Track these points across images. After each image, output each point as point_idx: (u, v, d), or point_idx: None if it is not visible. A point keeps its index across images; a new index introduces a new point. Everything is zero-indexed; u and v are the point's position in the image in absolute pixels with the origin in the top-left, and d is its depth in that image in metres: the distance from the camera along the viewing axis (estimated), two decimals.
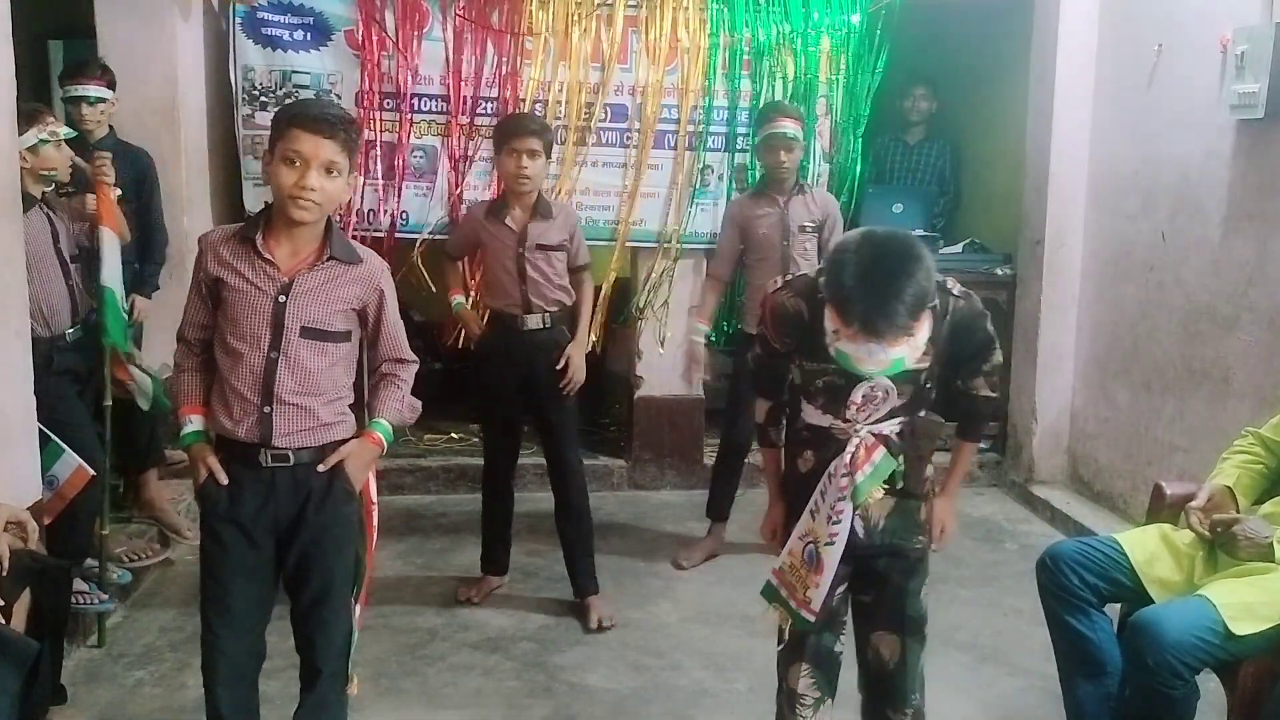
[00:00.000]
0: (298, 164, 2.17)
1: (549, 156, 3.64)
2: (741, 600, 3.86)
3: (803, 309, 2.16)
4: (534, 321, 3.63)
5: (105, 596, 3.39)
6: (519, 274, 3.59)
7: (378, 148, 4.72)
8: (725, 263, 4.21)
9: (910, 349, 2.01)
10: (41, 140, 3.31)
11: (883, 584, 2.29)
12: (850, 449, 2.16)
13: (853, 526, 2.18)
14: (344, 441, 2.34)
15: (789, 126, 3.96)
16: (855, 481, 2.16)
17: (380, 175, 4.75)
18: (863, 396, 2.14)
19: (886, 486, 2.21)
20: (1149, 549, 2.65)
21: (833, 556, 2.16)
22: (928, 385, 2.21)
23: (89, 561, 3.45)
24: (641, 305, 5.01)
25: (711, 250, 4.94)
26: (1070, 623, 2.63)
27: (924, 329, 2.02)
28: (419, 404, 2.49)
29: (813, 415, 2.25)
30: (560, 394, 3.67)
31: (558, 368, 3.63)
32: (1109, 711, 2.62)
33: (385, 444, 2.39)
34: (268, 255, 2.24)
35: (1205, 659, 2.35)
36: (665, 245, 4.93)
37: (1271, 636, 2.35)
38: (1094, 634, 2.61)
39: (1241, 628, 2.32)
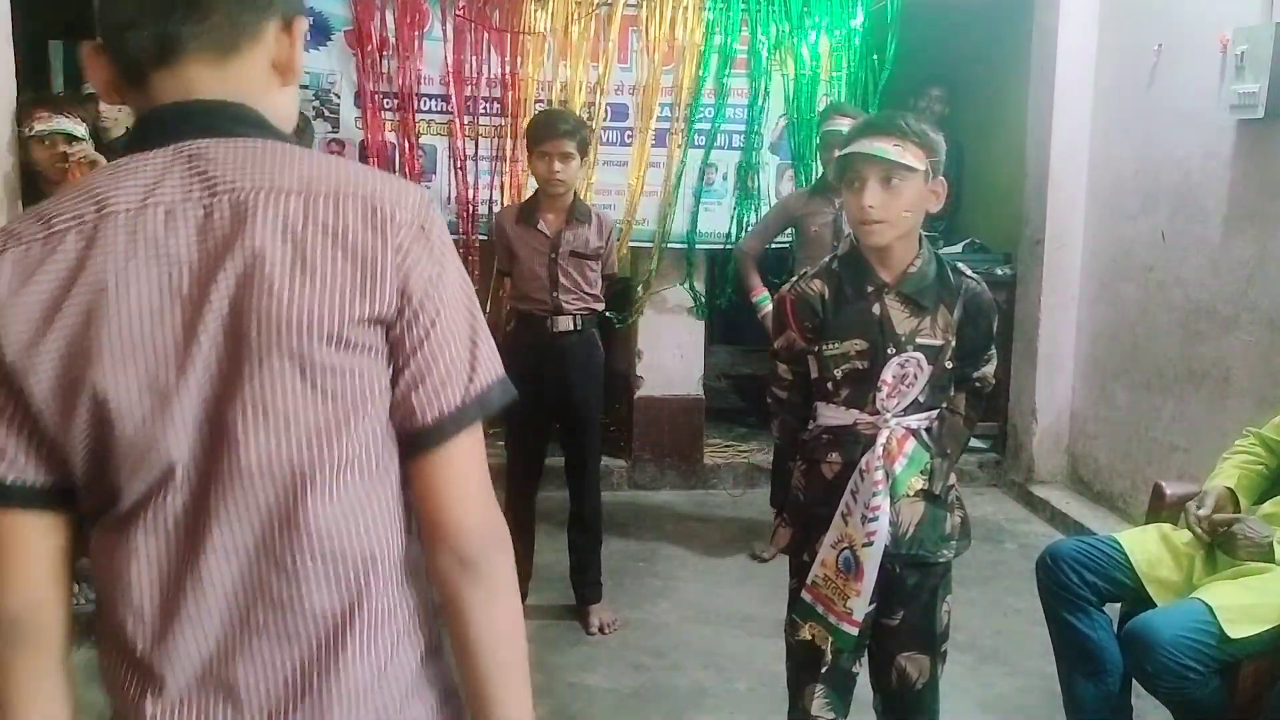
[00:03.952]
0: None
1: (584, 156, 3.47)
2: (741, 600, 3.86)
3: (824, 289, 2.16)
4: (565, 323, 3.50)
5: (92, 596, 3.36)
6: (550, 281, 3.46)
7: (388, 148, 4.72)
8: (758, 238, 4.24)
9: (914, 159, 2.03)
10: (27, 135, 3.26)
11: (910, 603, 2.21)
12: (881, 441, 2.08)
13: None
14: None
15: (846, 126, 3.91)
16: (893, 474, 2.08)
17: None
18: (893, 376, 2.08)
19: (919, 486, 2.14)
20: (1149, 549, 2.65)
21: (873, 559, 2.07)
22: (949, 367, 2.16)
23: (85, 561, 3.44)
24: (642, 306, 5.02)
25: (714, 251, 4.99)
26: (1070, 621, 2.63)
27: (921, 165, 2.05)
28: None
29: (833, 415, 2.16)
30: (590, 404, 3.57)
31: None
32: (1109, 711, 2.62)
33: None
34: None
35: (1203, 661, 2.34)
36: (665, 245, 4.93)
37: (1270, 638, 2.35)
38: (1094, 633, 2.61)
39: (1238, 630, 2.32)
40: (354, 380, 1.01)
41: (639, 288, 4.98)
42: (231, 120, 1.03)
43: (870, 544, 2.08)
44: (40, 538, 1.05)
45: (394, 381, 1.04)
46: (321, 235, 0.99)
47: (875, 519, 2.07)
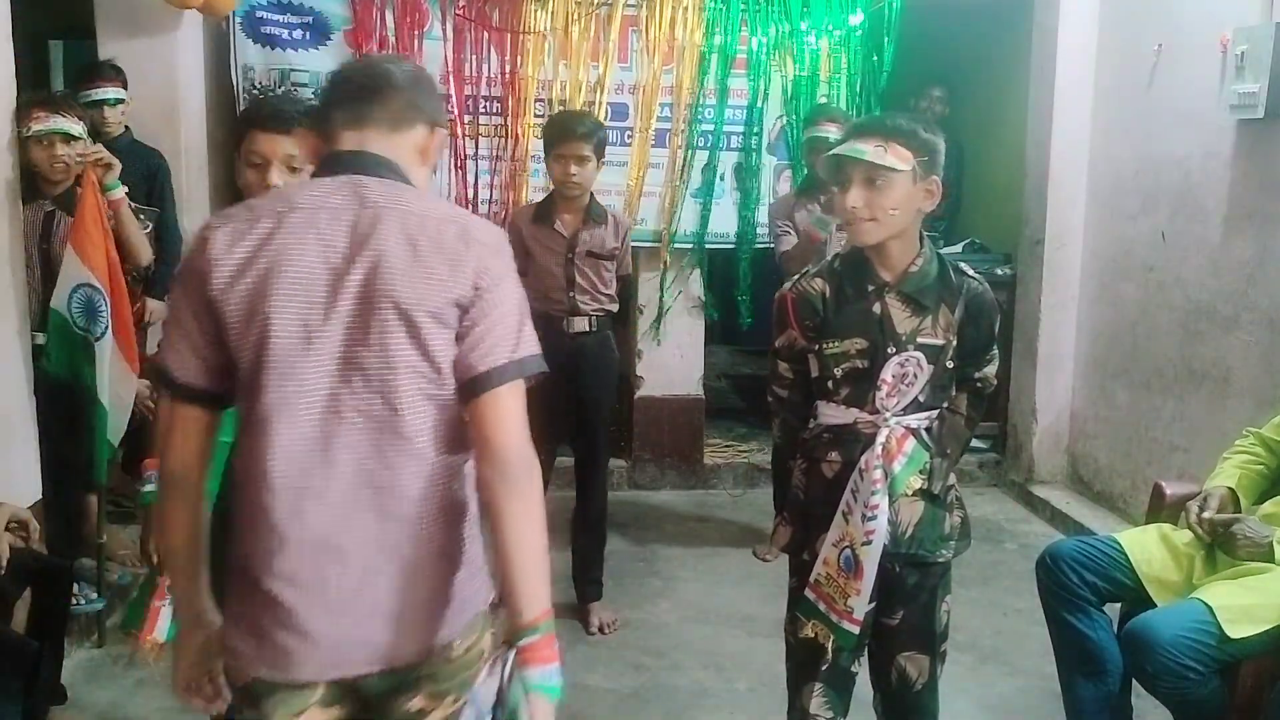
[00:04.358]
0: (259, 164, 2.11)
1: (601, 158, 3.48)
2: (741, 600, 3.86)
3: (825, 288, 2.17)
4: (581, 324, 3.51)
5: (94, 596, 3.37)
6: (567, 281, 3.47)
7: None
8: (786, 238, 4.21)
9: (896, 159, 2.03)
10: (25, 136, 3.25)
11: (910, 602, 2.21)
12: (881, 440, 2.09)
13: None
14: None
15: (831, 131, 3.90)
16: (892, 473, 2.09)
17: None
18: (893, 375, 2.09)
19: (918, 485, 2.14)
20: (1149, 549, 2.65)
21: (872, 558, 2.08)
22: (950, 367, 2.16)
23: (85, 561, 3.44)
24: (644, 306, 5.01)
25: (715, 251, 5.00)
26: (1070, 621, 2.63)
27: (905, 165, 2.05)
28: None
29: (834, 414, 2.17)
30: (602, 405, 3.57)
31: None
32: (1109, 711, 2.62)
33: None
34: None
35: (1203, 661, 2.34)
36: (679, 245, 4.93)
37: (1270, 638, 2.35)
38: (1094, 633, 2.61)
39: (1238, 630, 2.32)
40: (441, 343, 1.47)
41: (662, 294, 4.99)
42: (385, 168, 1.54)
43: (869, 543, 2.09)
44: (194, 423, 1.54)
45: (460, 345, 1.48)
46: (429, 242, 1.47)
47: (874, 518, 2.08)
